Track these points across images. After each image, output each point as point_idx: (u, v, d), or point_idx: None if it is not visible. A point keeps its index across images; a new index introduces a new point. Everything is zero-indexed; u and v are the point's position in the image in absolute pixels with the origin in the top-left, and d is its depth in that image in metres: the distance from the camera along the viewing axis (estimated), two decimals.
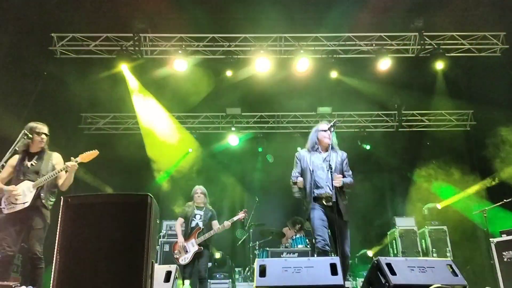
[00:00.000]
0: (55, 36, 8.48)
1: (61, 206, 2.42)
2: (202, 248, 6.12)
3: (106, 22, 8.30)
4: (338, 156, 4.70)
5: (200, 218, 6.37)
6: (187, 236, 6.24)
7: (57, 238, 2.37)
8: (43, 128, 4.77)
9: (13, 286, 3.49)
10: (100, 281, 2.25)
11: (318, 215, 4.45)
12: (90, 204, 2.41)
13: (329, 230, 4.47)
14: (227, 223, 6.30)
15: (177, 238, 6.30)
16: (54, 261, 2.31)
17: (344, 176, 4.63)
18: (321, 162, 4.63)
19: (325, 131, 4.74)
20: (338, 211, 4.34)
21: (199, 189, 6.55)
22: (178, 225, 6.41)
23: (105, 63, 8.70)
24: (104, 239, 2.32)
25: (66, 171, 4.66)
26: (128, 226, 2.36)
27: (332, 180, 4.36)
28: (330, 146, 4.60)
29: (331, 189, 4.37)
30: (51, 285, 2.27)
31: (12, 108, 7.36)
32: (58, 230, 2.39)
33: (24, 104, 7.77)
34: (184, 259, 6.07)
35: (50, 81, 8.34)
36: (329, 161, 4.48)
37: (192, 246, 6.14)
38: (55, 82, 8.35)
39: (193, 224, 6.31)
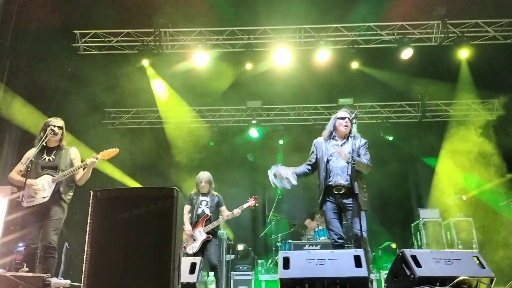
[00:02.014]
0: (78, 33, 8.64)
1: (90, 200, 2.49)
2: (210, 236, 5.91)
3: (127, 18, 8.40)
4: (356, 143, 4.48)
5: (207, 205, 6.10)
6: (193, 224, 6.00)
7: (87, 232, 2.44)
8: (58, 122, 4.80)
9: (45, 277, 3.60)
10: (129, 273, 2.31)
11: (329, 208, 4.45)
12: (119, 198, 2.48)
13: (343, 221, 4.46)
14: (237, 211, 6.04)
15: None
16: (85, 254, 2.38)
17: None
18: (337, 148, 4.52)
19: (343, 118, 4.58)
20: (353, 197, 4.26)
21: (203, 178, 6.19)
22: (185, 212, 6.04)
23: (127, 59, 8.83)
24: (133, 232, 2.38)
25: (84, 168, 4.71)
26: (156, 219, 2.41)
27: (348, 169, 4.27)
28: (348, 134, 4.51)
29: (347, 178, 4.32)
30: (82, 277, 2.34)
31: (37, 104, 7.55)
32: (88, 223, 2.46)
33: (49, 101, 7.97)
34: (192, 248, 5.86)
35: (74, 77, 8.51)
36: (345, 149, 4.39)
37: (200, 235, 5.91)
38: (79, 78, 8.52)
39: (199, 211, 6.06)
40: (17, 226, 5.89)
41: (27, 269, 4.09)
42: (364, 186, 4.48)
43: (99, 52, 8.83)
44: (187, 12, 8.34)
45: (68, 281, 3.73)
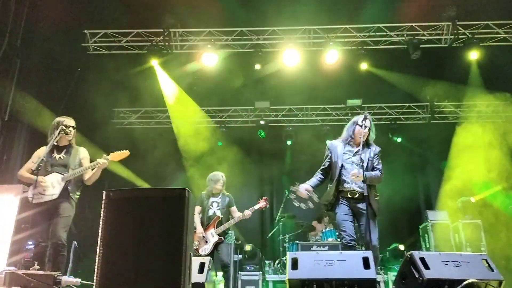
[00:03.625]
0: (88, 32, 8.70)
1: (103, 200, 2.52)
2: (222, 238, 5.90)
3: (137, 18, 8.45)
4: (371, 152, 4.56)
5: (218, 206, 6.07)
6: (204, 225, 5.97)
7: (100, 231, 2.47)
8: (70, 121, 4.87)
9: (56, 275, 3.64)
10: (141, 272, 2.34)
11: (343, 210, 4.48)
12: (131, 198, 2.51)
13: (355, 224, 4.49)
14: (248, 212, 6.02)
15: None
16: (97, 253, 2.42)
17: (373, 170, 4.55)
18: (351, 156, 4.58)
19: (363, 127, 4.51)
20: (368, 204, 4.28)
21: (221, 176, 6.20)
22: (196, 214, 6.00)
23: (136, 59, 8.89)
24: (144, 232, 2.41)
25: (92, 169, 4.76)
26: (167, 219, 2.44)
27: (362, 174, 4.24)
28: (363, 142, 4.49)
29: (362, 185, 4.30)
30: (95, 276, 2.38)
31: (47, 103, 7.63)
32: (100, 223, 2.49)
33: (59, 100, 8.04)
34: (204, 250, 5.83)
35: (84, 76, 8.59)
36: (361, 155, 4.40)
37: (212, 236, 5.89)
38: (89, 78, 8.59)
39: (211, 213, 6.03)
40: (28, 225, 5.97)
41: (38, 267, 4.14)
42: (377, 194, 4.57)
43: (108, 52, 8.89)
44: (196, 13, 8.37)
45: (79, 280, 3.77)
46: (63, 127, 4.73)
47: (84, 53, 8.79)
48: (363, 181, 4.23)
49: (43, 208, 4.57)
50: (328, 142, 4.92)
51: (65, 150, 4.84)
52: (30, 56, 7.58)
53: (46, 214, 4.58)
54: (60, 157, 4.77)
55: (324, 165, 4.78)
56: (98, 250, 2.41)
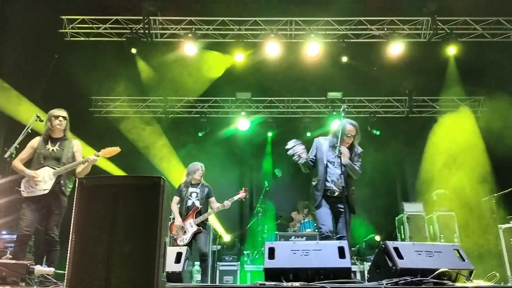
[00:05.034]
0: (65, 18, 8.49)
1: (76, 188, 2.49)
2: (201, 228, 5.91)
3: (116, 5, 8.30)
4: (354, 152, 4.86)
5: (197, 197, 6.07)
6: (183, 216, 5.98)
7: (72, 219, 2.43)
8: (60, 112, 4.85)
9: (29, 264, 3.59)
10: (114, 261, 2.31)
11: (325, 205, 4.73)
12: (105, 186, 2.47)
13: (333, 218, 4.73)
14: (227, 203, 6.04)
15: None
16: (69, 241, 2.38)
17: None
18: (335, 157, 4.73)
19: (349, 136, 4.78)
20: (346, 202, 4.51)
21: (200, 166, 6.22)
22: (174, 204, 6.08)
23: (115, 46, 8.72)
24: (118, 220, 2.37)
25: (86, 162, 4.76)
26: (142, 207, 2.41)
27: (343, 176, 4.53)
28: (350, 146, 4.83)
29: (342, 185, 4.56)
30: (66, 264, 2.34)
31: (24, 90, 7.45)
32: (73, 211, 2.45)
33: (35, 87, 7.86)
34: (183, 240, 5.84)
35: (61, 63, 8.39)
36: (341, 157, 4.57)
37: (191, 227, 5.90)
38: (66, 65, 8.40)
39: (189, 203, 6.03)
40: (1, 213, 5.87)
41: (11, 256, 4.09)
42: (354, 192, 4.86)
43: (86, 38, 8.70)
44: (177, 1, 8.26)
45: (52, 269, 3.72)
46: (53, 117, 4.73)
47: (61, 40, 8.58)
48: (344, 166, 4.51)
49: (34, 202, 4.56)
50: (315, 139, 5.07)
51: (59, 142, 4.81)
52: (5, 42, 7.37)
53: (37, 205, 4.58)
54: (53, 149, 4.75)
55: (312, 158, 4.92)
56: (70, 237, 2.37)
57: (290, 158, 4.92)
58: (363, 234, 8.60)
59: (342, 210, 4.57)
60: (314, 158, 4.90)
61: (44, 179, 4.58)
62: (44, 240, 4.59)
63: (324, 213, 4.68)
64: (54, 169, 4.63)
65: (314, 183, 4.85)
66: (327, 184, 4.73)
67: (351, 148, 4.84)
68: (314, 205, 4.85)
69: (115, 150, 4.87)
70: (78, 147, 4.92)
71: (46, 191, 4.56)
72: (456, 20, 8.37)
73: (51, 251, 4.54)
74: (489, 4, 8.07)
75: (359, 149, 4.94)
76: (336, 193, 4.67)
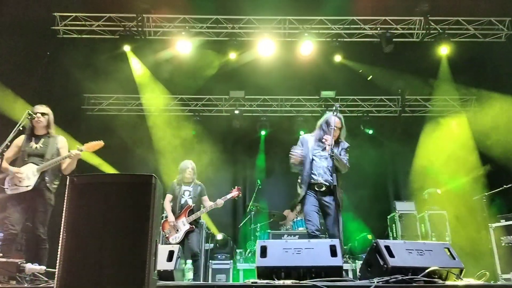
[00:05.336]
0: (58, 15, 8.44)
1: (67, 186, 2.47)
2: (193, 226, 5.92)
3: (109, 2, 8.25)
4: (340, 147, 4.80)
5: (190, 195, 6.08)
6: (176, 214, 5.99)
7: (63, 217, 2.42)
8: (40, 108, 4.79)
9: (19, 263, 3.57)
10: (105, 259, 2.30)
11: (310, 201, 4.66)
12: (96, 184, 2.46)
13: (321, 214, 4.68)
14: (220, 201, 6.04)
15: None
16: (60, 239, 2.37)
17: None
18: (321, 151, 4.76)
19: (334, 128, 4.67)
20: (333, 198, 4.52)
21: (189, 165, 6.22)
22: (167, 202, 6.11)
23: (108, 44, 8.68)
24: (109, 218, 2.36)
25: (69, 157, 4.70)
26: (133, 205, 2.40)
27: (330, 169, 4.51)
28: (336, 140, 4.75)
29: (329, 178, 4.57)
30: (57, 262, 2.33)
31: (16, 88, 7.38)
32: (64, 209, 2.44)
33: (27, 84, 7.79)
34: (175, 238, 5.85)
35: (54, 61, 8.33)
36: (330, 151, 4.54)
37: (183, 225, 5.90)
38: (59, 62, 8.34)
39: (182, 201, 6.04)
40: None
41: (1, 254, 4.05)
42: (342, 190, 4.72)
43: (79, 36, 8.66)
44: None
45: (44, 267, 3.70)
46: (30, 113, 4.64)
47: (54, 37, 8.51)
48: (331, 156, 4.44)
49: (18, 199, 4.52)
50: (301, 136, 5.07)
51: (42, 139, 4.77)
52: None
53: (21, 202, 4.53)
54: (37, 146, 4.71)
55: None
56: (61, 236, 2.36)
57: (283, 157, 4.95)
58: (355, 233, 8.64)
59: (329, 205, 4.56)
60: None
61: (28, 175, 4.53)
62: (32, 238, 4.56)
63: (309, 210, 4.62)
64: (38, 165, 4.58)
65: (299, 180, 4.84)
66: (314, 177, 4.67)
67: (337, 143, 4.78)
68: (299, 200, 4.80)
69: (98, 144, 4.82)
70: (63, 144, 4.86)
71: (30, 187, 4.51)
72: (448, 20, 8.42)
73: (38, 250, 4.50)
74: (481, 4, 8.13)
75: (345, 144, 4.88)
76: (324, 188, 4.61)
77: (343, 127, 4.80)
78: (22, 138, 4.72)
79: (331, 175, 4.51)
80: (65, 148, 4.83)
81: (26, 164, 4.59)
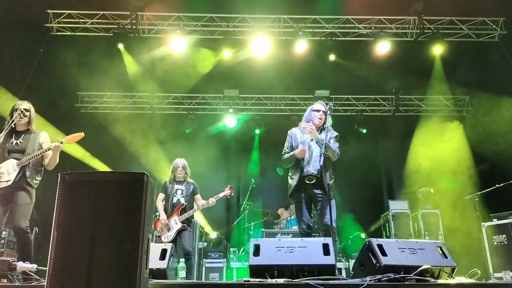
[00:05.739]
0: (51, 12, 8.38)
1: (58, 183, 2.45)
2: (185, 225, 5.89)
3: None
4: (328, 136, 4.60)
5: (182, 194, 6.06)
6: (168, 213, 5.97)
7: (54, 215, 2.40)
8: (23, 105, 4.71)
9: (11, 261, 3.54)
10: (96, 257, 2.29)
11: (301, 197, 4.62)
12: (87, 181, 2.44)
13: (312, 207, 4.65)
14: (212, 200, 6.00)
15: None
16: (51, 237, 2.35)
17: None
18: (310, 141, 4.68)
19: (317, 111, 4.70)
20: (323, 188, 4.44)
21: (180, 163, 6.18)
22: (159, 201, 6.08)
23: (102, 41, 8.63)
24: (101, 216, 2.35)
25: (49, 149, 4.63)
26: (125, 203, 2.39)
27: (320, 160, 4.41)
28: (322, 127, 4.63)
29: (318, 168, 4.48)
30: (48, 260, 2.32)
31: (9, 85, 7.32)
32: (55, 206, 2.42)
33: (20, 82, 7.74)
34: (167, 237, 5.83)
35: (47, 58, 8.28)
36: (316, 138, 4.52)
37: (175, 224, 5.87)
38: (52, 60, 8.29)
39: (175, 200, 6.01)
40: None
41: None
42: (333, 176, 4.64)
43: (73, 33, 8.60)
44: None
45: (35, 265, 3.67)
46: (18, 112, 4.59)
47: (47, 34, 8.46)
48: (317, 142, 4.46)
49: None
50: (289, 131, 5.00)
51: (23, 135, 4.69)
52: None
53: (1, 200, 4.44)
54: (17, 142, 4.63)
55: (286, 150, 4.85)
56: (52, 234, 2.34)
57: (277, 156, 4.91)
58: (348, 231, 8.66)
59: (320, 196, 4.49)
60: (289, 149, 4.81)
61: (8, 170, 4.47)
62: (14, 233, 4.48)
63: (301, 205, 4.59)
64: (18, 160, 4.53)
65: (290, 173, 4.78)
66: (304, 170, 4.57)
67: (324, 130, 4.56)
68: (289, 193, 4.72)
69: (79, 135, 4.76)
70: (45, 138, 4.79)
71: (10, 182, 4.43)
72: (442, 20, 8.46)
73: (24, 245, 4.40)
74: (475, 4, 8.17)
75: (334, 133, 4.75)
76: (314, 180, 4.51)
77: (327, 111, 4.65)
78: (2, 134, 4.62)
79: (321, 162, 4.40)
80: (47, 143, 4.74)
81: (6, 160, 4.52)
